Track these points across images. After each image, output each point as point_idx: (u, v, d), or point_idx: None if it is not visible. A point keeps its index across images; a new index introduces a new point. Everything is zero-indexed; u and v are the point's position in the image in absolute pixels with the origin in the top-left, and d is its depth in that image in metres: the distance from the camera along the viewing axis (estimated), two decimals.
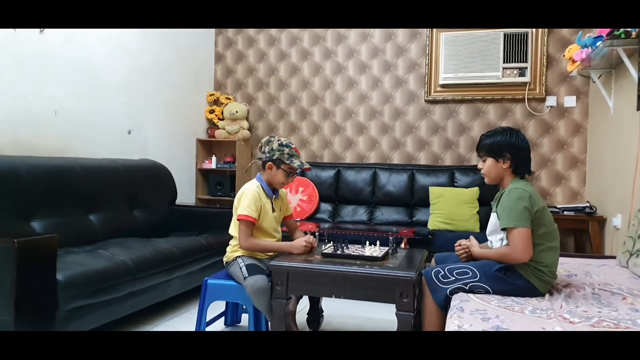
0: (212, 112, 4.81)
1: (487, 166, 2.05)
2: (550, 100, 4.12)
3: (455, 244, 2.21)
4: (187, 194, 4.56)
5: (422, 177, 4.11)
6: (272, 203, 2.42)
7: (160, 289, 2.72)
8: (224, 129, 4.70)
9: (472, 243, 2.14)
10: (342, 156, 4.63)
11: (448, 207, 3.83)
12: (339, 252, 2.23)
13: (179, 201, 3.99)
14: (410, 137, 4.45)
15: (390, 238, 3.36)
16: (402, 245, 3.32)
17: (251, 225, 2.29)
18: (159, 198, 3.65)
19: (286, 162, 2.34)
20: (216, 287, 2.32)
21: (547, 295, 1.92)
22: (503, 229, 1.93)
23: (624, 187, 3.11)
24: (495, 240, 2.05)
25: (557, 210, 3.67)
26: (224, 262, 2.41)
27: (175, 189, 3.86)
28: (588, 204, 3.69)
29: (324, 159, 4.67)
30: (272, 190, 2.43)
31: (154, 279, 2.62)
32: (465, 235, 3.54)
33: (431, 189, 3.97)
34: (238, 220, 2.29)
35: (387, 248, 2.33)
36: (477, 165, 2.12)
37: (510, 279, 1.93)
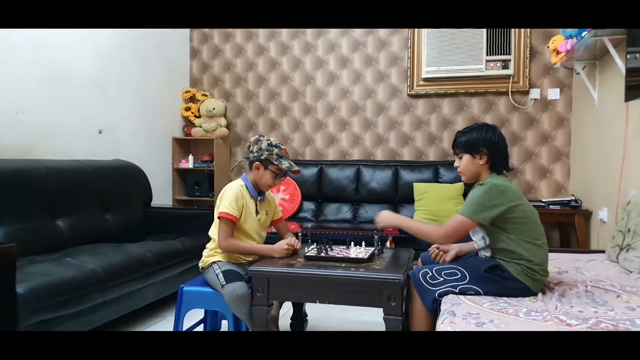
0: (188, 109, 4.64)
1: (464, 163, 1.97)
2: (534, 93, 4.06)
3: (429, 251, 2.16)
4: (163, 195, 4.39)
5: (406, 173, 4.02)
6: (256, 205, 2.29)
7: (135, 296, 2.57)
8: (201, 126, 4.54)
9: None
10: (325, 153, 4.51)
11: (433, 203, 3.75)
12: (322, 254, 2.12)
13: (155, 203, 3.83)
14: (394, 132, 4.36)
15: (376, 237, 3.28)
16: (388, 244, 3.24)
17: (232, 224, 2.16)
18: (133, 200, 3.48)
19: (274, 162, 2.22)
20: (193, 295, 2.19)
21: (539, 295, 1.83)
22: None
23: (610, 180, 3.07)
24: (478, 239, 1.96)
25: (543, 204, 3.62)
26: (200, 268, 2.27)
27: (150, 190, 3.70)
28: (573, 198, 3.64)
29: (306, 156, 4.55)
30: (257, 192, 2.30)
31: (127, 287, 2.47)
32: None
33: (415, 185, 3.89)
34: (218, 218, 2.16)
35: (372, 248, 2.23)
36: (456, 160, 2.04)
37: (500, 278, 1.85)
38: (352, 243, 2.28)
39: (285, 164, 2.24)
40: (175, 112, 4.63)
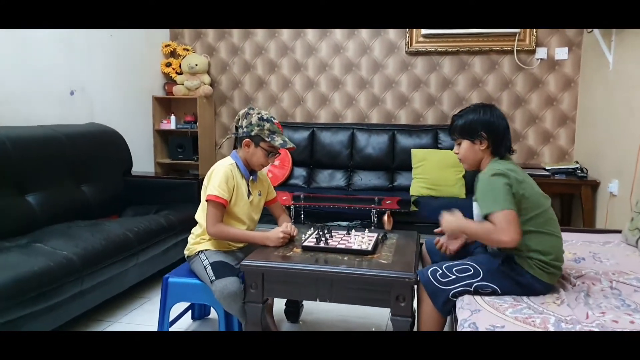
0: (168, 65, 4.28)
1: (463, 150, 1.80)
2: (541, 53, 3.80)
3: (434, 242, 1.98)
4: (145, 159, 4.11)
5: (403, 138, 3.79)
6: (248, 185, 2.07)
7: (115, 281, 2.37)
8: (183, 84, 4.20)
9: (458, 216, 1.84)
10: (316, 114, 4.23)
11: (432, 171, 3.55)
12: (322, 244, 1.91)
13: (135, 169, 3.56)
14: (390, 92, 4.09)
15: (373, 211, 3.10)
16: (385, 218, 3.06)
17: (222, 208, 1.94)
18: (111, 169, 3.21)
19: (266, 139, 1.99)
20: (178, 287, 1.99)
21: (562, 292, 1.68)
22: (486, 218, 1.65)
23: (623, 150, 2.89)
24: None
25: (547, 174, 3.44)
26: (185, 256, 2.06)
27: (129, 156, 3.42)
28: (578, 165, 3.47)
29: (296, 117, 4.27)
30: (249, 172, 2.07)
31: (107, 272, 2.26)
32: (452, 203, 3.31)
33: (413, 151, 3.67)
34: (207, 201, 1.94)
35: (375, 235, 2.03)
36: (455, 146, 1.87)
37: (514, 273, 1.69)
38: (353, 230, 2.08)
39: (278, 141, 2.00)
40: (155, 68, 4.26)
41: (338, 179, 3.86)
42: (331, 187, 3.81)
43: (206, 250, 1.98)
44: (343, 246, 1.90)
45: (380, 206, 3.07)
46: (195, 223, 2.10)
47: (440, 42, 3.92)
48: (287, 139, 2.04)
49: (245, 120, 2.01)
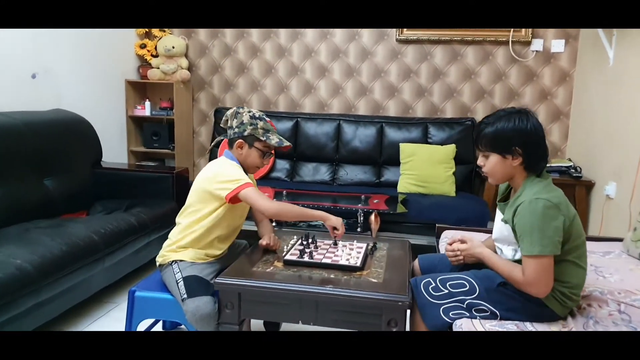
0: (143, 47, 4.00)
1: (492, 164, 1.56)
2: (537, 44, 3.63)
3: (447, 243, 1.76)
4: (117, 147, 3.85)
5: (392, 131, 3.61)
6: None
7: (78, 289, 2.17)
8: (159, 68, 3.93)
9: (473, 245, 1.68)
10: (301, 103, 4.02)
11: (421, 167, 3.40)
12: (306, 257, 1.74)
13: (107, 158, 3.33)
14: (379, 82, 3.89)
15: (360, 211, 2.92)
16: (372, 218, 2.90)
17: (254, 188, 1.76)
18: (79, 160, 2.96)
19: (261, 138, 1.82)
20: (147, 302, 1.79)
21: (569, 319, 1.54)
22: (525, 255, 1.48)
23: (623, 152, 2.76)
24: (508, 250, 1.61)
25: None
26: (157, 264, 1.86)
27: (99, 146, 3.17)
28: (571, 164, 3.35)
29: (279, 105, 4.05)
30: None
31: (68, 281, 2.06)
32: (441, 201, 3.17)
33: (402, 146, 3.50)
34: (236, 195, 1.72)
35: (363, 247, 1.86)
36: (479, 157, 1.62)
37: (520, 297, 1.52)
38: (340, 243, 1.90)
39: (274, 140, 1.84)
40: (129, 50, 3.98)
41: (323, 172, 3.68)
42: (315, 182, 3.63)
43: (180, 261, 1.79)
44: (329, 260, 1.73)
45: (368, 206, 2.90)
46: (173, 225, 1.90)
47: (432, 30, 3.72)
48: (282, 138, 1.87)
49: (235, 120, 1.83)
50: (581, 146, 3.46)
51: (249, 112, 1.83)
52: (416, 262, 1.92)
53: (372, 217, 2.88)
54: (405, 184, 3.39)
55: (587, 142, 3.34)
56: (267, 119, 1.87)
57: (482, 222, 2.98)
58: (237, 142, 1.82)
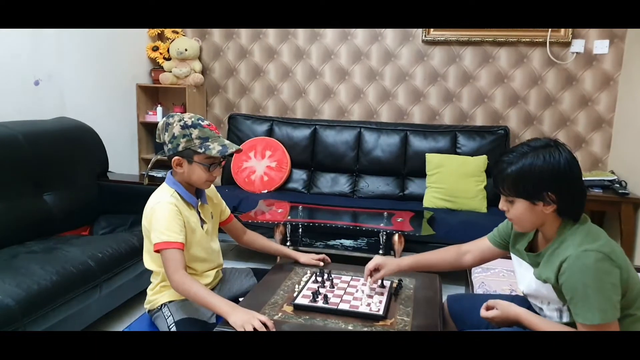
0: (155, 49, 3.81)
1: (518, 212, 1.27)
2: (577, 45, 3.32)
3: (483, 308, 1.46)
4: (128, 155, 3.69)
5: (417, 140, 3.35)
6: (198, 213, 1.64)
7: (70, 322, 1.98)
8: (171, 71, 3.74)
9: (503, 309, 1.37)
10: (319, 109, 3.78)
11: (449, 180, 3.13)
12: (320, 301, 1.50)
13: (117, 166, 3.17)
14: (403, 86, 3.62)
15: (382, 231, 2.68)
16: (396, 238, 2.65)
17: (179, 253, 1.48)
18: (82, 172, 2.79)
19: (199, 150, 1.52)
20: None
21: None
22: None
23: None
24: (550, 310, 1.34)
25: None
26: (147, 310, 1.65)
27: (105, 156, 2.99)
28: (615, 177, 3.04)
29: (297, 111, 3.82)
30: (195, 195, 1.63)
31: (57, 315, 1.87)
32: (471, 219, 2.88)
33: (428, 156, 3.24)
34: (157, 252, 1.50)
35: (386, 290, 1.61)
36: (501, 201, 1.33)
37: None
38: (361, 280, 1.67)
39: (215, 149, 1.52)
40: (140, 53, 3.80)
41: (342, 184, 3.44)
42: (334, 194, 3.40)
43: (170, 302, 1.57)
44: (347, 306, 1.49)
45: (391, 226, 2.65)
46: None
47: (461, 30, 3.44)
48: (227, 142, 1.56)
49: (166, 134, 1.54)
50: (626, 158, 3.14)
51: (180, 120, 1.52)
52: (445, 305, 1.67)
53: (396, 237, 2.63)
54: (432, 199, 3.13)
55: (634, 154, 3.02)
56: (205, 122, 1.55)
57: None
58: (173, 160, 1.54)
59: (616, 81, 3.32)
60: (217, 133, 1.57)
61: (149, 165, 1.77)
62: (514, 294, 1.85)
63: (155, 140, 3.82)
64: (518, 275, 1.43)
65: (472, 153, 3.21)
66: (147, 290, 1.64)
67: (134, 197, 2.89)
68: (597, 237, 1.23)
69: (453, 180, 3.11)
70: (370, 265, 1.56)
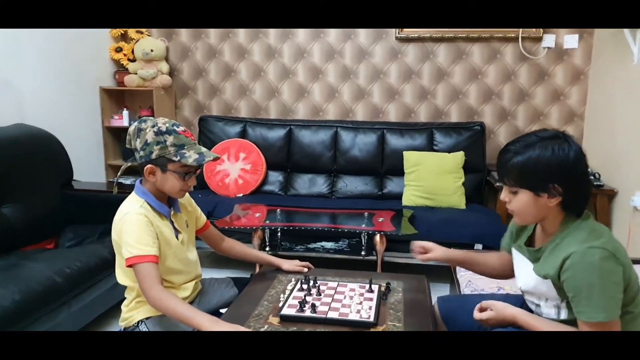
0: (119, 50, 3.65)
1: (521, 204, 1.23)
2: (548, 40, 3.34)
3: (476, 310, 1.40)
4: (93, 162, 3.52)
5: (394, 138, 3.31)
6: (172, 223, 1.53)
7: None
8: (137, 73, 3.59)
9: (498, 310, 1.33)
10: (294, 108, 3.70)
11: (427, 177, 3.10)
12: (307, 310, 1.43)
13: (82, 174, 3.01)
14: (378, 84, 3.58)
15: (364, 232, 2.62)
16: (377, 238, 2.60)
17: (154, 267, 1.37)
18: (45, 182, 2.62)
19: (174, 159, 1.42)
20: None
21: None
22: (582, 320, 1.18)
23: None
24: (548, 307, 1.30)
25: None
26: (122, 328, 1.54)
27: (69, 164, 2.83)
28: (590, 170, 3.06)
29: (270, 112, 3.73)
30: (167, 204, 1.52)
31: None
32: (451, 216, 2.85)
33: (406, 154, 3.20)
34: (129, 267, 1.39)
35: (376, 291, 1.55)
36: (500, 192, 1.31)
37: None
38: (349, 285, 1.60)
39: (191, 157, 1.42)
40: (103, 54, 3.63)
41: (320, 185, 3.36)
42: (312, 195, 3.32)
43: (147, 318, 1.47)
44: (336, 314, 1.42)
45: (372, 227, 2.59)
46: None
47: (435, 27, 3.42)
48: (203, 149, 1.46)
49: (138, 140, 1.42)
50: (599, 151, 3.17)
51: (154, 126, 1.41)
52: (435, 306, 1.62)
53: (377, 238, 2.58)
54: (411, 197, 3.09)
55: (606, 147, 3.06)
56: (180, 128, 1.44)
57: (498, 239, 2.67)
58: (146, 168, 1.43)
59: (586, 75, 3.36)
60: (193, 140, 1.47)
61: (119, 173, 1.64)
62: (502, 292, 1.82)
63: (123, 145, 3.66)
64: (517, 271, 1.40)
65: (449, 150, 3.19)
66: (122, 306, 1.53)
67: (101, 206, 2.75)
68: (600, 233, 1.20)
69: (431, 177, 3.08)
70: (416, 245, 1.53)
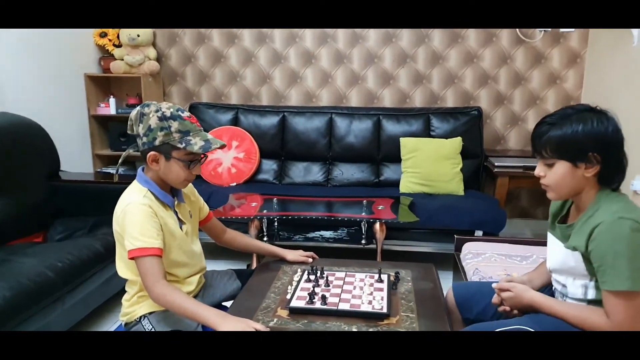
0: (103, 35, 3.52)
1: (558, 175, 1.21)
2: None
3: (495, 287, 1.40)
4: (80, 152, 3.40)
5: (390, 124, 3.25)
6: (176, 214, 1.46)
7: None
8: (123, 59, 3.47)
9: (518, 291, 1.33)
10: (286, 95, 3.61)
11: (425, 163, 3.05)
12: (317, 301, 1.37)
13: (68, 165, 2.89)
14: (372, 69, 3.51)
15: (364, 220, 2.57)
16: (377, 226, 2.55)
17: (157, 260, 1.30)
18: (31, 173, 2.51)
19: (178, 146, 1.35)
20: None
21: None
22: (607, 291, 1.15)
23: None
24: (575, 285, 1.27)
25: None
26: (123, 324, 1.47)
27: (56, 154, 2.72)
28: None
29: (262, 98, 3.64)
30: (171, 194, 1.45)
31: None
32: (450, 203, 2.81)
33: (403, 140, 3.15)
34: (131, 259, 1.32)
35: (385, 281, 1.50)
36: (538, 165, 1.28)
37: None
38: (357, 275, 1.55)
39: (197, 144, 1.34)
40: (87, 40, 3.49)
41: (315, 173, 3.30)
42: (307, 183, 3.26)
43: (150, 313, 1.40)
44: (347, 305, 1.36)
45: (372, 214, 2.54)
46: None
47: (433, 27, 3.34)
48: (209, 136, 1.39)
49: (141, 125, 1.34)
50: None
51: (157, 111, 1.33)
52: (450, 292, 1.58)
53: (377, 226, 2.53)
54: (408, 183, 3.05)
55: None
56: (185, 113, 1.36)
57: (499, 225, 2.66)
58: (149, 155, 1.35)
59: (583, 58, 3.34)
60: (199, 126, 1.39)
61: (120, 161, 1.54)
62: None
63: (110, 134, 3.54)
64: (548, 253, 1.38)
65: (447, 135, 3.15)
66: (123, 300, 1.45)
67: (92, 197, 2.68)
68: (634, 207, 1.19)
69: (429, 164, 3.04)
70: (503, 282, 1.39)
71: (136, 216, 1.31)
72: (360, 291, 1.44)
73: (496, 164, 2.95)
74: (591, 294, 1.23)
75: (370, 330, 1.26)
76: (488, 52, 3.40)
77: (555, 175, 1.22)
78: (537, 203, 3.53)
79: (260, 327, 1.21)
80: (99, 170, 3.53)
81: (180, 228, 1.45)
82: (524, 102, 3.44)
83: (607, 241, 1.13)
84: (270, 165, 3.33)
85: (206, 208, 1.63)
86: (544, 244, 2.16)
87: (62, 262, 1.92)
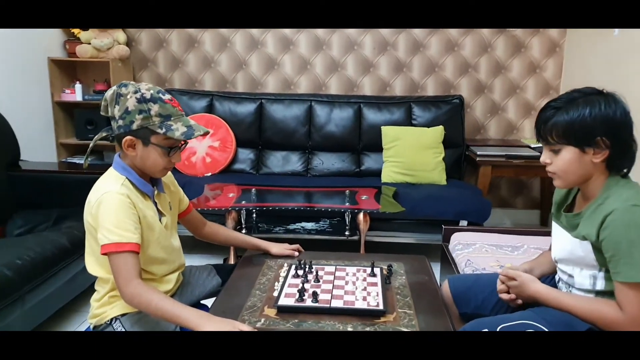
0: None
1: (565, 161, 1.15)
2: None
3: (500, 276, 1.33)
4: (43, 140, 3.19)
5: (371, 113, 3.16)
6: (155, 205, 1.34)
7: None
8: (90, 43, 3.26)
9: (523, 281, 1.26)
10: (263, 81, 3.48)
11: (407, 153, 2.98)
12: (307, 299, 1.27)
13: (31, 154, 2.72)
14: (352, 56, 3.41)
15: (348, 211, 2.49)
16: (361, 217, 2.47)
17: (134, 258, 1.18)
18: None
19: (158, 130, 1.22)
20: None
21: None
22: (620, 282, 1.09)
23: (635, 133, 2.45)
24: (583, 275, 1.21)
25: (534, 154, 2.91)
26: (91, 327, 1.33)
27: (15, 143, 2.53)
28: None
29: (237, 85, 3.49)
30: (150, 183, 1.32)
31: None
32: (433, 192, 2.76)
33: (384, 129, 3.07)
34: (105, 255, 1.18)
35: (378, 274, 1.42)
36: (544, 152, 1.21)
37: None
38: (347, 269, 1.45)
39: (178, 130, 1.22)
40: None
41: (294, 162, 3.19)
42: (286, 173, 3.15)
43: (123, 315, 1.27)
44: (341, 302, 1.27)
45: (356, 205, 2.45)
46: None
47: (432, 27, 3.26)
48: (192, 122, 1.27)
49: (117, 107, 1.21)
50: None
51: (136, 92, 1.20)
52: (445, 285, 1.51)
53: (361, 216, 2.44)
54: (390, 173, 2.97)
55: None
56: (167, 96, 1.24)
57: (484, 215, 2.62)
58: (125, 140, 1.22)
59: (562, 47, 3.33)
60: (180, 110, 1.26)
61: (90, 145, 1.38)
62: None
63: (76, 122, 3.34)
64: (553, 243, 1.32)
65: (428, 124, 3.08)
66: (92, 301, 1.32)
67: (56, 188, 2.51)
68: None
69: (411, 153, 2.97)
70: (508, 270, 1.32)
71: (112, 207, 1.18)
72: (353, 286, 1.35)
73: (479, 152, 2.90)
74: (600, 285, 1.17)
75: (368, 329, 1.17)
76: (468, 41, 3.35)
77: (562, 161, 1.15)
78: (516, 193, 3.52)
79: (246, 328, 1.11)
80: (63, 160, 3.33)
81: (160, 221, 1.32)
82: (504, 91, 3.41)
83: (620, 229, 1.07)
84: (246, 154, 3.20)
85: (186, 199, 1.50)
86: (534, 233, 2.15)
87: (22, 260, 1.75)
